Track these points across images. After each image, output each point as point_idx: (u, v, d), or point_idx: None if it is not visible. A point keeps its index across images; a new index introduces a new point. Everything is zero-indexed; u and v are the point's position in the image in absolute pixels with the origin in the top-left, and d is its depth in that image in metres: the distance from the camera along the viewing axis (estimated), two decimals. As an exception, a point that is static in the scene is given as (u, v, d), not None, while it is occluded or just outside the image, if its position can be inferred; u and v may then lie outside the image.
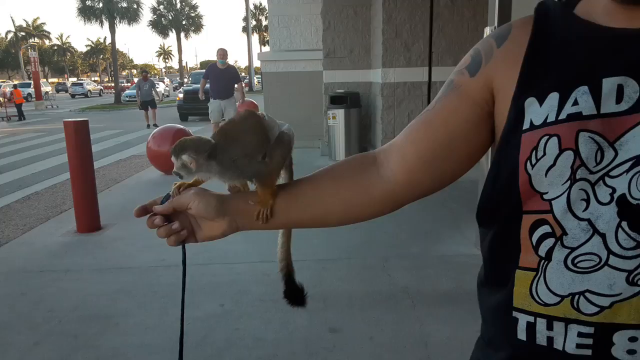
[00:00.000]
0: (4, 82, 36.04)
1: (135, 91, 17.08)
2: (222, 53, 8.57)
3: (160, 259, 3.90)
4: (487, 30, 3.43)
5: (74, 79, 64.36)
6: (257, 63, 50.84)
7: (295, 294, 1.03)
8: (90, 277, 3.67)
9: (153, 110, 15.17)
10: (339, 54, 7.78)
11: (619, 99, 0.63)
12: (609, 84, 0.64)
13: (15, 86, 27.06)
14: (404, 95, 6.88)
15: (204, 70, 12.57)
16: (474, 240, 3.91)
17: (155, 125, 13.24)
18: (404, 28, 6.75)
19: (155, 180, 7.02)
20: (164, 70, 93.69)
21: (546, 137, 0.66)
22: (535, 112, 0.68)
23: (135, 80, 56.72)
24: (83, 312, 3.12)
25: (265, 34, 56.10)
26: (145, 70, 16.58)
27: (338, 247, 4.08)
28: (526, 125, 0.68)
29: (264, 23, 56.07)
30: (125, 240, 4.42)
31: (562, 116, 0.65)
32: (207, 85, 8.84)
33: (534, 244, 0.68)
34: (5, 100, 22.43)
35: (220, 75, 8.46)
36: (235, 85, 8.78)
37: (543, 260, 0.67)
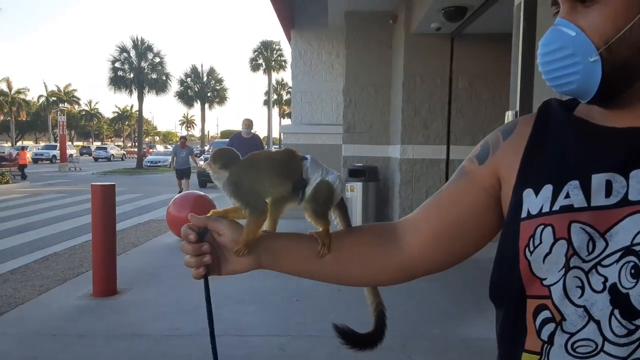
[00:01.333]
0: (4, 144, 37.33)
1: (165, 157, 16.87)
2: (248, 123, 8.84)
3: (174, 327, 3.85)
4: (509, 115, 3.53)
5: (98, 143, 66.53)
6: (275, 133, 52.29)
7: (378, 335, 1.03)
8: (104, 343, 3.62)
9: (187, 181, 13.82)
10: (358, 129, 8.00)
11: (608, 193, 0.68)
12: (597, 180, 0.69)
13: (23, 148, 28.01)
14: (422, 171, 6.98)
15: (225, 140, 13.17)
16: (495, 323, 3.80)
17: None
18: (423, 107, 6.96)
19: (173, 245, 7.04)
20: (186, 140, 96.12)
21: (542, 226, 0.71)
22: (532, 201, 0.74)
23: (157, 147, 58.13)
24: (94, 380, 3.05)
25: (285, 107, 58.03)
26: (184, 137, 15.07)
27: (356, 323, 3.97)
28: (524, 214, 0.74)
29: (285, 97, 58.17)
30: (140, 306, 4.38)
31: (556, 207, 0.71)
32: None
33: (537, 328, 0.71)
34: (11, 160, 23.17)
35: (244, 143, 8.70)
36: None
37: (546, 344, 0.70)
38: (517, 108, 3.44)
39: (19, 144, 46.80)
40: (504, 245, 0.77)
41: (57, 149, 34.56)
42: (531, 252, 0.71)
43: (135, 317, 4.13)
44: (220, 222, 0.86)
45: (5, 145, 32.44)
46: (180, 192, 13.79)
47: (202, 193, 7.77)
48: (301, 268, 0.91)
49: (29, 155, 34.70)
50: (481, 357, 3.32)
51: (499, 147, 0.83)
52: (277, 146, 43.16)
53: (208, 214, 0.88)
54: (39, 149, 42.09)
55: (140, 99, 34.30)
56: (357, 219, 7.61)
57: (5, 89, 59.26)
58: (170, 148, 49.53)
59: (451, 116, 6.94)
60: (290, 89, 55.88)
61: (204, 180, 17.52)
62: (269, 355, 3.41)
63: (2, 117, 48.30)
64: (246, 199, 0.87)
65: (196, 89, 52.74)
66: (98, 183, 4.84)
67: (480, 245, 0.88)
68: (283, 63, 51.60)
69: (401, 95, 6.96)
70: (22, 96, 60.67)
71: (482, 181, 0.84)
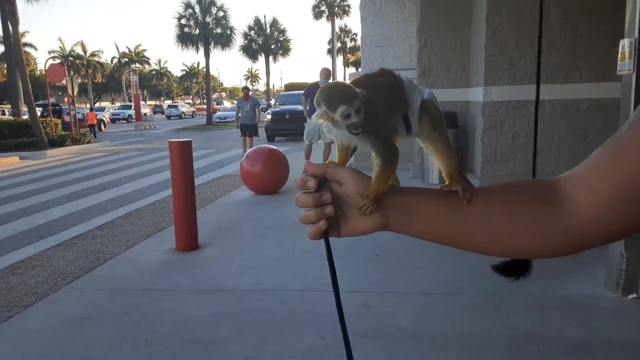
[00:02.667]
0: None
1: (233, 113, 15.86)
2: (327, 73, 8.46)
3: (256, 282, 3.81)
4: (626, 43, 3.02)
5: (169, 102, 68.75)
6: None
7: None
8: (190, 298, 3.64)
9: (251, 139, 11.75)
10: (435, 72, 7.48)
11: None
12: None
13: (91, 109, 29.26)
14: (508, 114, 6.43)
15: (290, 92, 12.82)
16: (603, 281, 3.43)
17: None
18: (510, 44, 6.33)
19: (248, 200, 7.07)
20: (251, 93, 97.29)
21: None
22: None
23: (225, 102, 58.63)
24: (184, 335, 3.06)
25: (350, 55, 56.76)
26: (247, 87, 12.88)
27: (442, 279, 3.76)
28: None
29: (349, 45, 56.79)
30: (221, 260, 4.39)
31: None
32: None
33: None
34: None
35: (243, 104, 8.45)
36: None
37: None
38: (636, 34, 2.92)
39: (97, 105, 49.14)
40: None
41: (132, 108, 36.04)
42: None
43: (218, 271, 4.13)
44: (342, 170, 0.72)
45: (85, 107, 34.21)
46: (244, 154, 10.57)
47: (274, 147, 7.68)
48: (437, 229, 0.73)
49: (106, 115, 36.45)
50: (587, 317, 3.01)
51: None
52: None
53: (326, 162, 0.75)
54: (115, 109, 44.06)
55: (207, 54, 34.72)
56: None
57: (81, 52, 62.08)
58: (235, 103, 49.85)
59: (542, 52, 6.27)
60: (354, 36, 54.83)
61: (272, 134, 17.58)
62: (354, 312, 3.27)
63: (80, 80, 50.82)
64: (378, 141, 0.72)
65: (260, 41, 52.54)
66: (175, 140, 4.81)
67: None
68: (347, 8, 50.15)
69: (484, 32, 6.35)
70: (96, 59, 63.35)
71: None
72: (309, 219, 0.72)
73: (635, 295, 3.17)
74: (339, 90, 0.70)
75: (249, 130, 11.88)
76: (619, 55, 3.09)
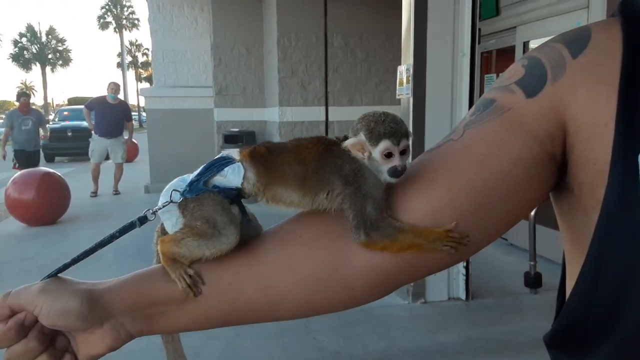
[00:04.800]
0: None
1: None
2: (115, 87, 7.75)
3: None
4: (403, 69, 3.30)
5: None
6: (132, 99, 48.50)
7: None
8: None
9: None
10: (231, 91, 7.41)
11: None
12: None
13: None
14: (302, 134, 6.66)
15: (74, 107, 11.20)
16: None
17: None
18: (300, 67, 6.61)
19: (17, 234, 5.95)
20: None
21: None
22: None
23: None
24: None
25: (141, 70, 54.01)
26: (27, 94, 8.75)
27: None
28: None
29: (141, 59, 54.07)
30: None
31: None
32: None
33: None
34: None
35: (109, 111, 7.58)
36: (126, 123, 7.98)
37: None
38: (411, 61, 3.22)
39: None
40: (606, 251, 0.47)
41: None
42: None
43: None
44: (26, 294, 0.54)
45: None
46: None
47: (49, 169, 6.65)
48: (215, 309, 0.57)
49: None
50: (384, 328, 3.16)
51: (566, 69, 0.51)
52: (135, 113, 39.98)
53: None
54: None
55: (-38, 61, 29.28)
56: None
57: None
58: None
59: (328, 76, 6.69)
60: (146, 50, 52.44)
61: (51, 154, 15.46)
62: (153, 358, 2.88)
63: None
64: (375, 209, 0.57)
65: (34, 50, 46.54)
66: None
67: (504, 228, 0.55)
68: (136, 22, 47.74)
69: (276, 54, 6.51)
70: None
71: (531, 124, 0.51)
72: None
73: (423, 300, 3.46)
74: (389, 121, 0.57)
75: (29, 159, 7.86)
76: (397, 80, 3.36)
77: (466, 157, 0.53)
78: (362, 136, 0.57)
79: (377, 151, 0.56)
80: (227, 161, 0.60)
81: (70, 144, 15.10)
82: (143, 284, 0.56)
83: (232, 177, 0.59)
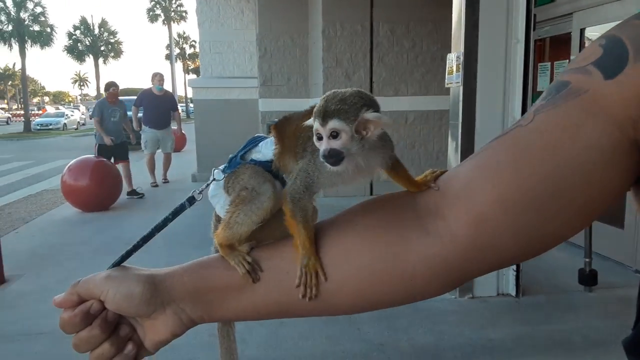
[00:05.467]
0: None
1: (57, 120, 9.78)
2: (160, 78, 7.79)
3: (79, 319, 3.24)
4: (453, 57, 3.21)
5: (-24, 106, 59.36)
6: (180, 90, 49.63)
7: None
8: (-12, 349, 2.95)
9: (124, 165, 7.28)
10: (276, 81, 7.44)
11: None
12: None
13: None
14: (347, 125, 6.65)
15: (127, 98, 11.42)
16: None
17: (135, 193, 7.29)
18: (345, 57, 6.56)
19: (71, 219, 6.21)
20: (79, 97, 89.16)
21: None
22: None
23: (62, 108, 52.57)
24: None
25: (189, 62, 55.12)
26: (115, 83, 7.42)
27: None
28: None
29: (188, 51, 55.13)
30: (34, 296, 3.68)
31: None
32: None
33: None
34: None
35: (156, 103, 7.65)
36: (173, 114, 8.04)
37: None
38: (462, 49, 3.11)
39: None
40: None
41: None
42: None
43: (29, 311, 3.44)
44: (93, 282, 0.57)
45: None
46: (132, 191, 7.30)
47: (102, 158, 6.89)
48: (261, 302, 0.58)
49: None
50: (430, 321, 3.10)
51: None
52: (183, 104, 40.93)
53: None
54: None
55: (22, 53, 30.81)
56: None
57: None
58: (62, 108, 45.00)
59: (373, 65, 6.61)
60: (193, 43, 53.40)
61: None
62: (203, 343, 2.95)
63: None
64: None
65: (87, 42, 48.23)
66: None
67: (579, 225, 0.50)
68: (184, 14, 48.66)
69: (321, 44, 6.48)
70: None
71: (611, 108, 0.47)
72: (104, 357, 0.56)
73: (471, 295, 3.38)
74: (331, 98, 0.56)
75: (113, 152, 7.13)
76: (447, 69, 3.27)
77: (537, 142, 0.49)
78: (315, 118, 0.56)
79: (313, 132, 0.55)
80: (262, 137, 0.64)
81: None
82: (204, 270, 0.58)
83: (265, 150, 0.62)
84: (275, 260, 0.57)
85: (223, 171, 0.63)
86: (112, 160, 7.03)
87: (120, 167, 7.14)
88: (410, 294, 0.55)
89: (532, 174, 0.48)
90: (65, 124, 29.69)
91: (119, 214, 6.41)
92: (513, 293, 3.38)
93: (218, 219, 0.64)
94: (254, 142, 0.64)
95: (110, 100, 7.28)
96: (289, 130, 0.60)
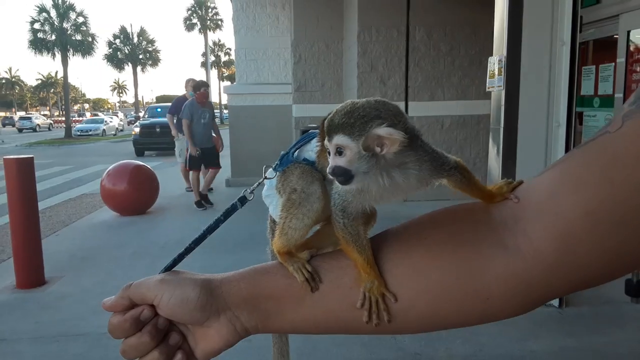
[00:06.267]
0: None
1: (97, 126, 10.03)
2: (194, 84, 6.89)
3: (117, 321, 3.28)
4: (495, 60, 3.12)
5: (22, 113, 61.85)
6: (214, 97, 50.45)
7: None
8: (30, 348, 3.01)
9: (213, 172, 7.09)
10: (310, 87, 7.46)
11: None
12: None
13: None
14: (381, 130, 6.59)
15: (162, 105, 11.51)
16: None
17: (204, 202, 6.85)
18: (380, 62, 6.51)
19: (110, 223, 6.34)
20: (117, 104, 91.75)
21: None
22: None
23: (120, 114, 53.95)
24: (18, 398, 2.48)
25: (224, 69, 56.01)
26: (206, 83, 7.18)
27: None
28: None
29: (223, 59, 56.07)
30: (73, 298, 3.75)
31: None
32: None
33: None
34: None
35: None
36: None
37: None
38: (505, 52, 3.03)
39: None
40: None
41: (-27, 120, 31.65)
42: None
43: (68, 312, 3.51)
44: (147, 285, 0.55)
45: None
46: (200, 203, 6.78)
47: (140, 162, 7.03)
48: (322, 314, 0.55)
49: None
50: (468, 332, 3.01)
51: None
52: (217, 111, 41.53)
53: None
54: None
55: (65, 62, 31.94)
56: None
57: None
58: (102, 115, 46.31)
59: (409, 70, 6.53)
60: (228, 50, 54.26)
61: (141, 148, 16.44)
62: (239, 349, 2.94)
63: None
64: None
65: (126, 50, 49.69)
66: (10, 156, 4.07)
67: None
68: (219, 22, 49.57)
69: (356, 49, 6.45)
70: None
71: None
72: None
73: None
74: (339, 111, 0.52)
75: (207, 157, 6.78)
76: (488, 72, 3.18)
77: (630, 150, 0.44)
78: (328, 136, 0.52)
79: (330, 145, 0.51)
80: (315, 134, 0.59)
81: (158, 139, 15.96)
82: (261, 277, 0.55)
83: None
84: (336, 273, 0.54)
85: (274, 169, 0.60)
86: (205, 164, 6.85)
87: (209, 174, 7.07)
88: (484, 314, 0.51)
89: (623, 185, 0.43)
90: (104, 130, 30.58)
91: (155, 217, 6.51)
92: (556, 304, 3.25)
93: (273, 221, 0.61)
94: (308, 138, 0.60)
95: (200, 101, 6.65)
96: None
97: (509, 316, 0.51)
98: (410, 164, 0.51)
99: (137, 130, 17.12)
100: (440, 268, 0.50)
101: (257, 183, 0.62)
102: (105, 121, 32.89)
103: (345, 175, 0.49)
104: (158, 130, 16.02)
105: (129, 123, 40.57)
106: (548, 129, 3.04)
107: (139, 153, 16.16)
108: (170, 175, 7.75)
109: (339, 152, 0.49)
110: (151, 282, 0.54)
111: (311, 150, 0.59)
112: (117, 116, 43.64)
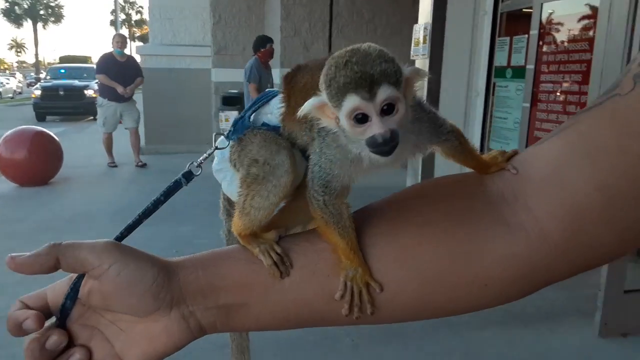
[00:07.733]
0: None
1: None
2: (121, 40, 6.59)
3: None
4: (420, 28, 3.09)
5: None
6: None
7: None
8: None
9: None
10: (230, 50, 7.16)
11: None
12: None
13: None
14: (304, 98, 6.50)
15: (65, 65, 10.57)
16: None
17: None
18: (303, 26, 6.35)
19: (8, 195, 5.78)
20: (15, 64, 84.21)
21: None
22: None
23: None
24: None
25: (135, 29, 52.85)
26: (271, 39, 5.63)
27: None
28: None
29: (134, 18, 52.82)
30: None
31: None
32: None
33: None
34: None
35: (119, 70, 6.43)
36: (137, 80, 6.74)
37: None
38: (430, 19, 3.01)
39: None
40: None
41: None
42: None
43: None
44: (88, 247, 0.41)
45: None
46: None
47: (40, 128, 6.43)
48: (297, 308, 0.45)
49: None
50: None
51: None
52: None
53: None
54: None
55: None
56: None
57: None
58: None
59: (332, 36, 6.44)
60: (140, 8, 51.13)
61: (42, 113, 15.17)
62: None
63: None
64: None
65: (25, 5, 45.33)
66: None
67: None
68: (130, -23, 46.44)
69: (280, 12, 6.23)
70: None
71: None
72: None
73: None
74: (356, 60, 0.39)
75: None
76: (413, 40, 3.16)
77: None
78: (324, 94, 0.41)
79: (343, 115, 0.39)
80: (276, 93, 0.50)
81: (62, 103, 14.87)
82: (221, 262, 0.44)
83: (279, 110, 0.49)
84: (311, 257, 0.45)
85: (227, 137, 0.49)
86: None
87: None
88: (482, 300, 0.44)
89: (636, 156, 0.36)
90: (0, 92, 27.93)
91: (59, 188, 6.02)
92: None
93: (228, 200, 0.51)
94: (265, 98, 0.50)
95: (265, 61, 5.57)
96: (299, 84, 0.45)
97: (508, 301, 0.45)
98: (408, 125, 0.41)
99: (37, 93, 15.76)
100: (433, 252, 0.43)
101: (205, 154, 0.50)
102: (2, 82, 29.98)
103: (394, 141, 0.39)
104: (62, 93, 14.89)
105: (29, 85, 37.40)
106: (468, 97, 3.09)
107: (40, 118, 14.89)
108: (76, 142, 7.17)
109: (388, 110, 0.38)
110: (99, 245, 0.41)
111: (270, 113, 0.48)
112: (15, 77, 39.96)
